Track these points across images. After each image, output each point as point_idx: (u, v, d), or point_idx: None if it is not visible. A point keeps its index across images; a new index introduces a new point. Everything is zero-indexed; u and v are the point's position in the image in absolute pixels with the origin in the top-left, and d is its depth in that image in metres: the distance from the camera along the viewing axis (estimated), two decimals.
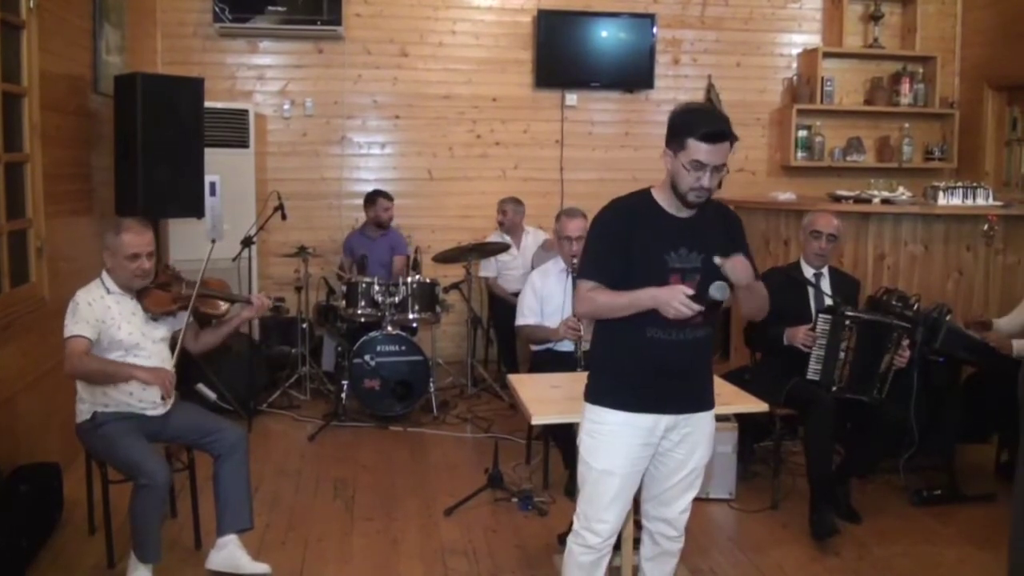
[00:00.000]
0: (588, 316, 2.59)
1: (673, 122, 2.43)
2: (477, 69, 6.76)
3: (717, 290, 2.35)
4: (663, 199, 2.50)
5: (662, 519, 2.67)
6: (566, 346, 4.19)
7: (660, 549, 2.72)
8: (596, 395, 2.57)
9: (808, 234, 4.14)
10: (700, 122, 2.37)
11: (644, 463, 2.57)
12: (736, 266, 2.41)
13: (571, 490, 2.84)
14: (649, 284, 2.40)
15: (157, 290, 3.31)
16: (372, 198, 6.05)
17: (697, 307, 2.34)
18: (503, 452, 4.34)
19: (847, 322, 3.81)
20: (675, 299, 2.33)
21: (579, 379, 2.71)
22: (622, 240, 2.46)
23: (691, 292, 2.34)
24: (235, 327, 3.46)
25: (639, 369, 2.50)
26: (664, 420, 2.51)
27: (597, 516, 2.55)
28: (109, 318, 3.17)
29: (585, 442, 2.58)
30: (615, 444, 2.51)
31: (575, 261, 3.47)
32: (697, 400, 2.57)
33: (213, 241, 3.49)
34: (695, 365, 2.55)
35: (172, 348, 3.37)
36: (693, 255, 2.46)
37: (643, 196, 2.53)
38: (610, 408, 2.52)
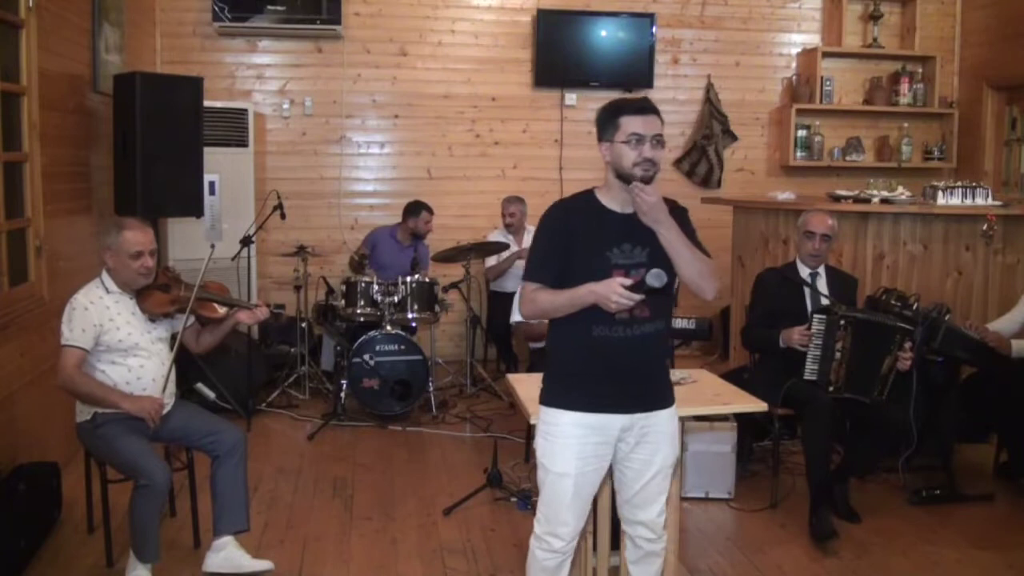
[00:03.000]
0: (533, 316, 2.58)
1: (601, 114, 2.50)
2: (476, 68, 6.76)
3: (654, 277, 2.31)
4: (606, 197, 2.51)
5: (639, 523, 2.63)
6: None
7: (643, 552, 2.68)
8: (549, 397, 2.55)
9: (802, 235, 4.14)
10: (626, 102, 2.46)
11: (602, 463, 2.54)
12: (639, 195, 2.37)
13: None
14: (593, 282, 2.38)
15: (156, 291, 3.31)
16: (416, 210, 5.88)
17: (637, 296, 2.32)
18: (502, 451, 4.34)
19: (842, 322, 3.81)
20: (612, 291, 2.32)
21: None
22: (563, 240, 2.46)
23: (628, 282, 2.33)
24: (231, 327, 3.45)
25: (589, 369, 2.48)
26: (619, 420, 2.49)
27: (558, 519, 2.53)
28: (108, 319, 3.16)
29: (541, 445, 2.55)
30: (570, 446, 2.49)
31: None
32: (652, 398, 2.54)
33: (212, 246, 3.47)
34: (646, 362, 2.52)
35: (172, 348, 3.37)
36: (637, 250, 2.45)
37: (586, 195, 2.55)
38: (563, 409, 2.50)
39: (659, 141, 2.43)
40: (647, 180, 2.42)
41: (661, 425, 2.55)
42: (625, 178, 2.43)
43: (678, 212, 2.58)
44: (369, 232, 6.16)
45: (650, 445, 2.54)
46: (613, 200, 2.50)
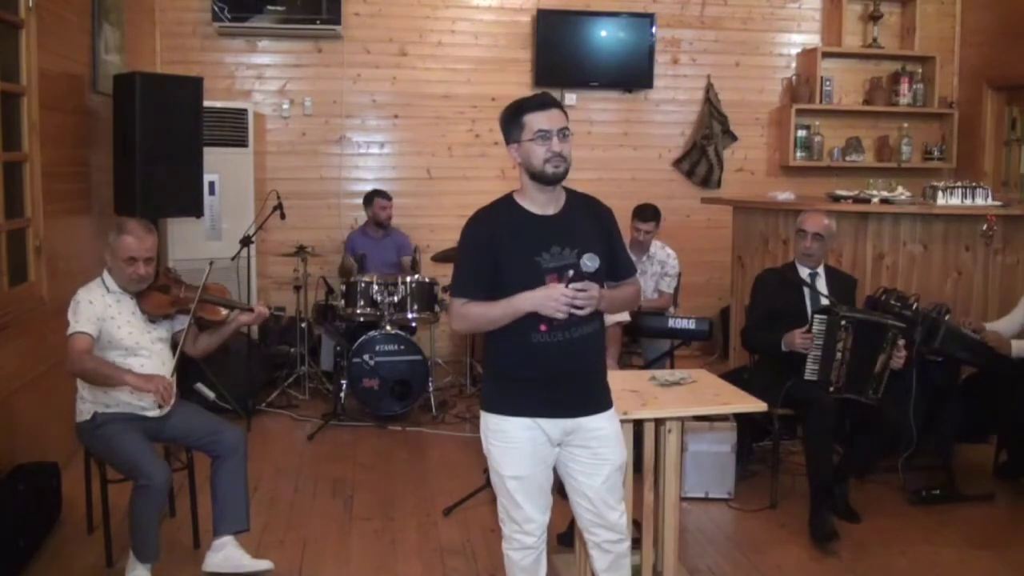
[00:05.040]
0: (466, 332, 2.55)
1: (504, 116, 2.49)
2: (476, 68, 6.76)
3: (589, 260, 2.35)
4: (526, 201, 2.50)
5: (603, 526, 2.60)
6: None
7: (612, 555, 2.65)
8: (492, 403, 2.53)
9: (795, 234, 4.15)
10: (526, 100, 2.46)
11: (552, 459, 2.55)
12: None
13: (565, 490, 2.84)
14: (526, 288, 2.38)
15: (156, 292, 3.31)
16: (369, 198, 6.05)
17: (580, 296, 2.33)
18: None
19: (843, 322, 3.80)
20: (553, 298, 2.33)
21: None
22: (489, 251, 2.43)
23: (565, 287, 2.34)
24: (232, 331, 3.45)
25: (531, 374, 2.47)
26: (562, 424, 2.49)
27: (524, 517, 2.53)
28: (109, 317, 3.17)
29: (491, 451, 2.54)
30: (522, 449, 2.48)
31: None
32: (593, 402, 2.54)
33: (211, 263, 3.42)
34: (585, 364, 2.53)
35: (173, 349, 3.37)
36: (567, 251, 2.44)
37: (505, 201, 2.52)
38: (508, 415, 2.49)
39: (566, 135, 2.43)
40: (558, 177, 2.43)
41: (606, 428, 2.55)
42: (538, 177, 2.43)
43: (604, 212, 2.60)
44: (345, 239, 6.20)
45: (598, 447, 2.53)
46: (533, 203, 2.49)
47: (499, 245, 2.44)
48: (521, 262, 2.43)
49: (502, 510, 2.58)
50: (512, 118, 2.46)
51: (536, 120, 2.41)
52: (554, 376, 2.46)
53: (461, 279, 2.52)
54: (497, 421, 2.51)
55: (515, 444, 2.49)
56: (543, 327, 2.42)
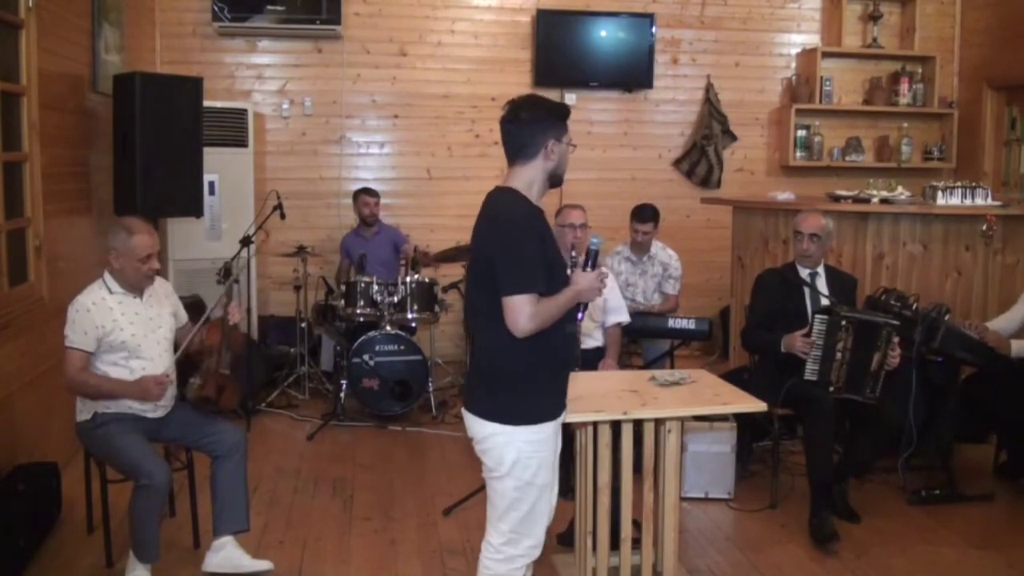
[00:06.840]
0: (538, 330, 2.32)
1: (554, 111, 2.48)
2: (476, 69, 6.76)
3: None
4: (534, 198, 2.49)
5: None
6: None
7: None
8: (525, 414, 2.39)
9: (793, 235, 4.15)
10: (563, 106, 2.54)
11: None
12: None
13: (564, 490, 2.82)
14: (563, 282, 2.42)
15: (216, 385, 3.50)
16: (355, 195, 6.08)
17: (601, 276, 2.45)
18: None
19: (843, 323, 3.80)
20: (594, 283, 2.41)
21: (575, 378, 2.69)
22: (544, 246, 2.39)
23: (594, 271, 2.44)
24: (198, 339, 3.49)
25: (559, 369, 2.49)
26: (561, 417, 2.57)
27: (541, 526, 2.51)
28: (111, 320, 3.16)
29: (528, 467, 2.41)
30: (552, 451, 2.48)
31: (574, 254, 3.41)
32: None
33: (236, 281, 3.50)
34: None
35: (174, 349, 3.38)
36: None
37: (521, 197, 2.44)
38: (545, 421, 2.43)
39: None
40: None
41: None
42: (557, 180, 2.51)
43: None
44: (340, 243, 6.22)
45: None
46: (539, 201, 2.53)
47: (545, 240, 2.42)
48: (558, 257, 2.48)
49: (519, 531, 2.46)
50: (561, 119, 2.47)
51: (568, 130, 2.50)
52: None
53: (530, 273, 2.31)
54: (537, 432, 2.40)
55: (551, 447, 2.47)
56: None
